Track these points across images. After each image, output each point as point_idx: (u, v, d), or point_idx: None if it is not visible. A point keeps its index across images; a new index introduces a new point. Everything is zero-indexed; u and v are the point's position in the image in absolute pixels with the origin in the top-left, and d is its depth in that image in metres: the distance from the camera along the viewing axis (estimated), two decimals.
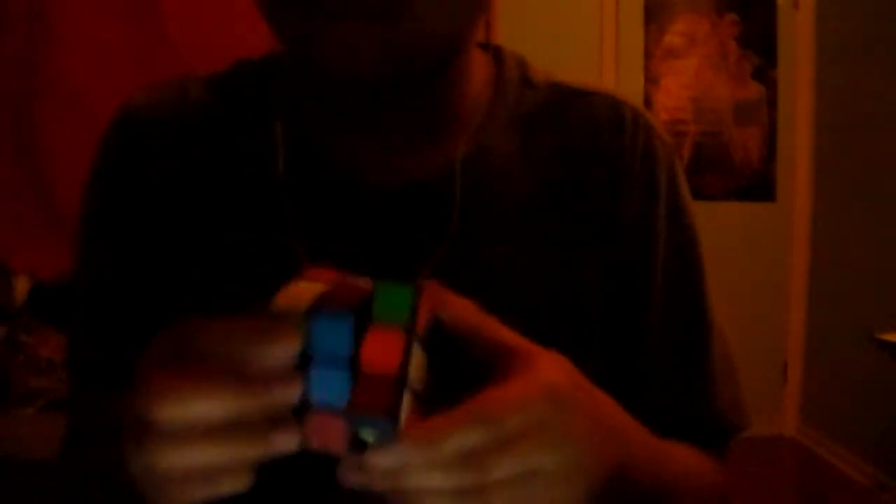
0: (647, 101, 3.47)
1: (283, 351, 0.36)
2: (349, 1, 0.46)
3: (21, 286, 2.19)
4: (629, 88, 3.39)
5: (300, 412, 0.38)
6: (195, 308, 0.55)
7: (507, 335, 0.41)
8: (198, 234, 0.57)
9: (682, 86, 3.51)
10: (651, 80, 3.50)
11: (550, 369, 0.40)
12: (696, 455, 0.59)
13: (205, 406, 0.35)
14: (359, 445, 0.38)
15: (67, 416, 0.62)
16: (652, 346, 0.59)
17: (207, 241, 0.57)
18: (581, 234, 0.58)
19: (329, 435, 0.38)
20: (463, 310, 0.41)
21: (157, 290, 0.57)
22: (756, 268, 3.51)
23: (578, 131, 0.59)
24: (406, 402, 0.37)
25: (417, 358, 0.39)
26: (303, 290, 0.39)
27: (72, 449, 0.61)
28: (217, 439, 0.36)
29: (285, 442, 0.36)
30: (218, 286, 0.56)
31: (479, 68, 0.59)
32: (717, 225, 3.29)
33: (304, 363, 0.37)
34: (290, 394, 0.36)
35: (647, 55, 3.51)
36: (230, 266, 0.56)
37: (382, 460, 0.37)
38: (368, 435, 0.37)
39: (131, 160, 0.58)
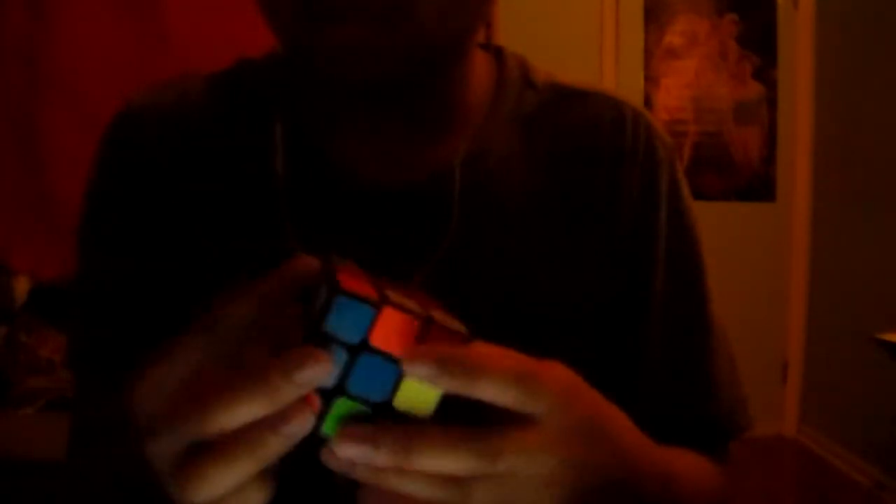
0: (647, 101, 3.47)
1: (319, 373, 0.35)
2: (351, 5, 0.45)
3: (21, 286, 2.19)
4: (629, 88, 3.39)
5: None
6: (194, 307, 0.56)
7: (513, 364, 0.39)
8: (196, 233, 0.57)
9: (682, 86, 3.51)
10: (651, 80, 3.50)
11: (569, 409, 0.40)
12: (699, 462, 0.59)
13: (244, 409, 0.34)
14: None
15: (72, 414, 0.62)
16: (653, 348, 0.59)
17: (206, 241, 0.57)
18: (581, 235, 0.57)
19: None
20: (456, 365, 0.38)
21: (157, 289, 0.57)
22: (756, 268, 3.50)
23: (579, 132, 0.59)
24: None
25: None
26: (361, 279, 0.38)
27: (79, 447, 0.61)
28: (245, 445, 0.35)
29: (301, 426, 0.35)
30: (216, 285, 0.56)
31: (480, 69, 0.59)
32: (717, 225, 3.28)
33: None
34: (321, 374, 0.35)
35: (647, 55, 3.51)
36: (228, 265, 0.55)
37: (350, 449, 0.36)
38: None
39: (131, 159, 0.58)
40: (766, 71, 3.53)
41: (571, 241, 0.57)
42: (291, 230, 0.54)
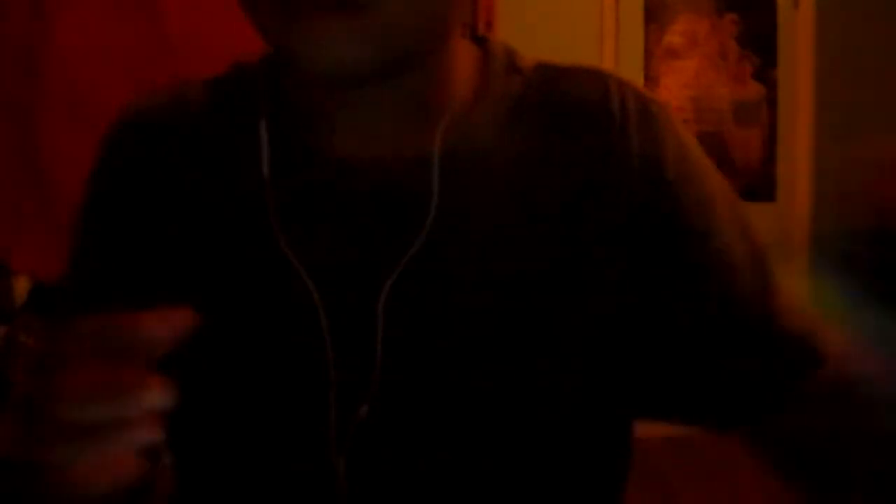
0: None
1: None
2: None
3: (21, 286, 2.19)
4: None
5: None
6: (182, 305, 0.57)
7: None
8: (186, 233, 0.58)
9: (682, 86, 3.51)
10: (651, 80, 3.50)
11: None
12: None
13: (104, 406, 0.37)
14: None
15: None
16: (697, 318, 0.56)
17: (195, 241, 0.58)
18: (578, 217, 0.55)
19: None
20: None
21: (147, 289, 0.59)
22: None
23: (564, 109, 0.57)
24: None
25: None
26: None
27: None
28: (92, 434, 0.38)
29: (145, 438, 0.38)
30: (204, 284, 0.57)
31: (465, 59, 0.58)
32: None
33: None
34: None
35: (647, 55, 3.51)
36: (216, 264, 0.57)
37: None
38: None
39: (125, 162, 0.60)
40: (766, 71, 3.53)
41: (566, 224, 0.55)
42: (278, 227, 0.55)
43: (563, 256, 0.55)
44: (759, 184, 3.53)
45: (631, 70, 3.46)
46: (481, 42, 0.61)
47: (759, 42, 3.52)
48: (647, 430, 0.68)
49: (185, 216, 0.58)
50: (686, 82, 3.50)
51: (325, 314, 0.53)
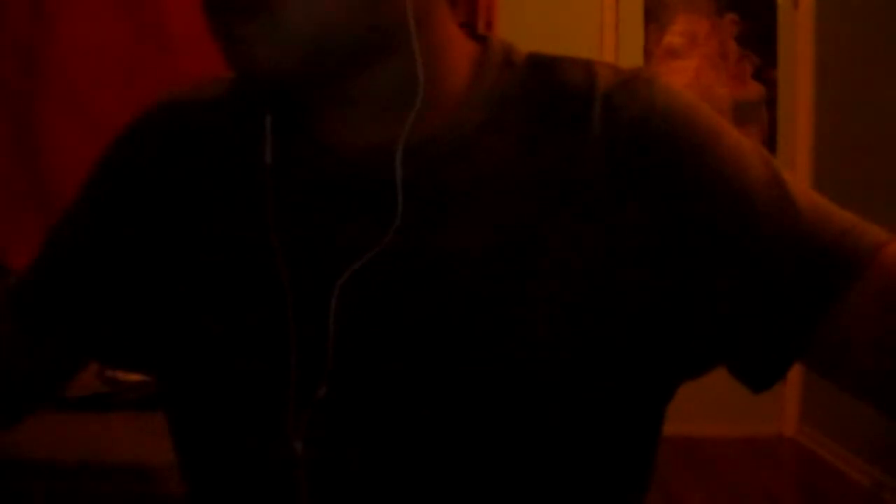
0: None
1: None
2: (219, 3, 0.48)
3: None
4: None
5: None
6: (178, 294, 0.59)
7: None
8: (186, 224, 0.59)
9: (682, 86, 3.49)
10: None
11: None
12: None
13: None
14: None
15: None
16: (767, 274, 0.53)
17: (194, 232, 0.59)
18: (556, 204, 0.54)
19: None
20: None
21: (144, 281, 0.60)
22: None
23: (549, 97, 0.57)
24: None
25: None
26: None
27: None
28: None
29: None
30: (201, 276, 0.58)
31: (459, 55, 0.58)
32: None
33: None
34: None
35: (647, 55, 3.51)
36: (213, 256, 0.58)
37: None
38: None
39: (134, 154, 0.62)
40: (766, 71, 3.53)
41: (547, 214, 0.53)
42: (271, 213, 0.56)
43: (538, 247, 0.53)
44: None
45: None
46: (482, 40, 0.61)
47: (759, 42, 3.52)
48: None
49: (187, 204, 0.59)
50: (686, 82, 3.50)
51: (291, 296, 0.54)
